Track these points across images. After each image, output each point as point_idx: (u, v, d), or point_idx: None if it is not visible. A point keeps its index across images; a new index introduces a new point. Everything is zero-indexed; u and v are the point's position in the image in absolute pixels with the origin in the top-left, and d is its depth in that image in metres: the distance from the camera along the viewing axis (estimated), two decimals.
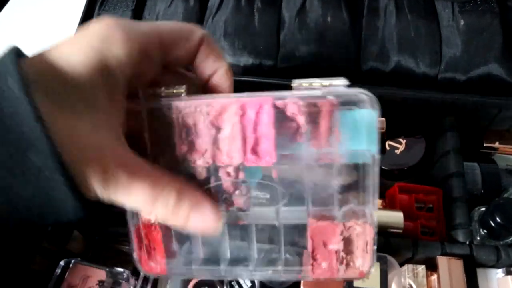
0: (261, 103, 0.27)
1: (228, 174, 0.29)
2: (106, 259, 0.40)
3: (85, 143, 0.22)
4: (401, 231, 0.42)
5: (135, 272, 0.38)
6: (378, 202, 0.49)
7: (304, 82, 0.27)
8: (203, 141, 0.28)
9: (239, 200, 0.29)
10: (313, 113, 0.27)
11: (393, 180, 0.49)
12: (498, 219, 0.39)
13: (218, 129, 0.28)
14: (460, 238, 0.42)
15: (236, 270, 0.30)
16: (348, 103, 0.26)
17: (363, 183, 0.28)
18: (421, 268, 0.39)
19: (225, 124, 0.28)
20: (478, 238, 0.43)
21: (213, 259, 0.31)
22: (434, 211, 0.46)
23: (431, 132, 0.50)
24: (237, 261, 0.31)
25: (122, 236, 0.40)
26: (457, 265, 0.39)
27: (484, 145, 0.50)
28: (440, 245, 0.40)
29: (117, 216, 0.41)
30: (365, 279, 0.38)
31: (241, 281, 0.37)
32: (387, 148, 0.50)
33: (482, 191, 0.46)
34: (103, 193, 0.22)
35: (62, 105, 0.22)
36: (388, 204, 0.48)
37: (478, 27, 0.52)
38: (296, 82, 0.27)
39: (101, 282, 0.36)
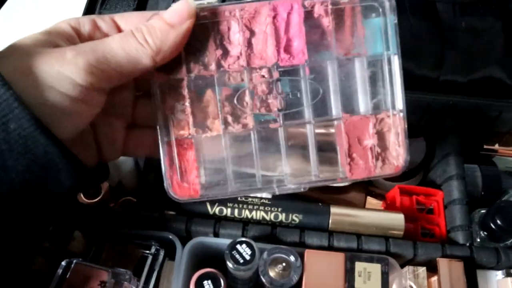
0: (291, 3, 0.30)
1: (263, 76, 0.30)
2: (108, 260, 0.39)
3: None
4: (402, 232, 0.42)
5: (137, 273, 0.38)
6: (379, 203, 0.50)
7: None
8: (237, 45, 0.30)
9: (274, 101, 0.30)
10: (339, 13, 0.30)
11: (394, 181, 0.49)
12: (498, 222, 0.39)
13: (252, 32, 0.30)
14: (460, 240, 0.42)
15: (271, 184, 0.31)
16: (371, 5, 0.30)
17: (390, 78, 0.31)
18: (422, 270, 0.39)
19: (259, 26, 0.30)
20: (478, 240, 0.43)
21: (246, 175, 0.31)
22: (434, 213, 0.46)
23: (432, 134, 0.50)
24: (271, 173, 0.31)
25: (124, 236, 0.40)
26: (458, 267, 0.39)
27: (485, 147, 0.51)
28: (440, 246, 0.40)
29: (118, 216, 0.42)
30: (367, 280, 0.38)
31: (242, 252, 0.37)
32: None
33: (482, 193, 0.47)
34: (83, 81, 0.25)
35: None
36: (389, 206, 0.48)
37: (479, 30, 0.52)
38: None
39: (102, 283, 0.36)
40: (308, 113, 0.31)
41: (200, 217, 0.41)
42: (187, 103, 0.30)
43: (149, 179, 0.47)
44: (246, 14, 0.30)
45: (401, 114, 0.31)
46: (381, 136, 0.31)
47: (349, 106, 0.31)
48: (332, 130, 0.31)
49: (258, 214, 0.42)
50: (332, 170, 0.31)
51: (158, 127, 0.30)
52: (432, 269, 0.40)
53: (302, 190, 0.31)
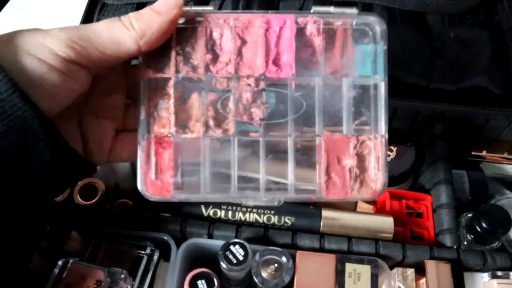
0: (284, 19, 0.31)
1: (249, 85, 0.31)
2: (104, 260, 0.40)
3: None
4: (391, 235, 0.43)
5: (133, 272, 0.39)
6: (369, 207, 0.51)
7: (322, 8, 0.31)
8: (227, 52, 0.31)
9: (257, 110, 0.31)
10: (330, 33, 0.31)
11: None
12: (484, 225, 0.40)
13: (243, 41, 0.31)
14: (448, 243, 0.43)
15: (245, 192, 0.31)
16: (362, 29, 0.31)
17: (374, 101, 0.31)
18: (410, 272, 0.40)
19: (251, 36, 0.31)
20: (466, 243, 0.44)
21: (222, 181, 0.31)
22: (423, 217, 0.47)
23: (421, 140, 0.52)
24: (247, 182, 0.31)
25: (120, 236, 0.41)
26: (445, 269, 0.40)
27: (472, 153, 0.52)
28: (428, 249, 0.41)
29: (115, 217, 0.42)
30: (356, 281, 0.39)
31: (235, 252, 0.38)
32: None
33: (470, 197, 0.48)
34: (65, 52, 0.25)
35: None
36: (379, 210, 0.49)
37: (467, 40, 0.54)
38: (314, 9, 0.31)
39: (98, 282, 0.37)
40: (289, 126, 0.31)
41: (194, 219, 0.42)
42: (171, 102, 0.30)
43: None
44: (240, 23, 0.30)
45: (383, 139, 0.31)
46: (361, 158, 0.31)
47: (331, 124, 0.31)
48: (312, 147, 0.31)
49: (251, 217, 0.43)
50: (309, 187, 0.31)
51: (139, 122, 0.30)
52: (421, 271, 0.41)
53: (276, 204, 0.31)
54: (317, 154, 0.31)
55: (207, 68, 0.30)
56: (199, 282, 0.37)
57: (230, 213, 0.43)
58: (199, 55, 0.30)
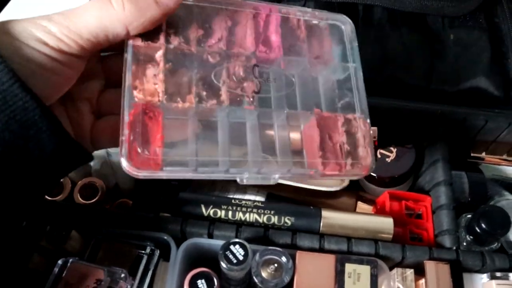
0: (270, 8, 0.33)
1: (241, 61, 0.32)
2: (104, 259, 0.40)
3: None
4: (391, 236, 0.43)
5: (132, 272, 0.39)
6: (369, 208, 0.51)
7: (302, 8, 0.35)
8: (218, 30, 0.31)
9: (250, 84, 0.31)
10: (310, 26, 0.34)
11: (384, 187, 0.50)
12: (483, 226, 0.40)
13: (234, 22, 0.32)
14: (447, 243, 0.43)
15: (237, 169, 0.29)
16: (335, 25, 0.35)
17: (356, 85, 0.34)
18: (410, 272, 0.41)
19: (240, 19, 0.32)
20: (465, 244, 0.44)
21: (210, 157, 0.29)
22: (423, 218, 0.47)
23: (421, 142, 0.52)
24: (239, 157, 0.30)
25: (120, 236, 0.41)
26: (444, 270, 0.40)
27: (472, 155, 0.52)
28: (428, 250, 0.41)
29: (115, 217, 0.42)
30: (356, 281, 0.39)
31: (235, 252, 0.38)
32: (379, 156, 0.51)
33: (469, 199, 0.48)
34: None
35: None
36: (379, 210, 0.49)
37: (467, 42, 0.54)
38: (294, 7, 0.34)
39: (98, 281, 0.37)
40: (282, 101, 0.32)
41: (194, 219, 0.42)
42: (161, 71, 0.29)
43: (145, 182, 0.48)
44: (231, 6, 0.32)
45: (368, 120, 0.33)
46: (349, 135, 0.33)
47: (319, 104, 0.33)
48: (303, 125, 0.32)
49: (252, 217, 0.43)
50: (303, 164, 0.31)
51: (124, 89, 0.27)
52: (420, 272, 0.41)
53: (271, 182, 0.30)
54: (311, 130, 0.32)
55: (199, 42, 0.30)
56: (199, 281, 0.37)
57: (230, 213, 0.43)
58: (191, 30, 0.30)
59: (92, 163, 0.49)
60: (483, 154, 0.52)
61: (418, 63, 0.53)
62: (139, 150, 0.26)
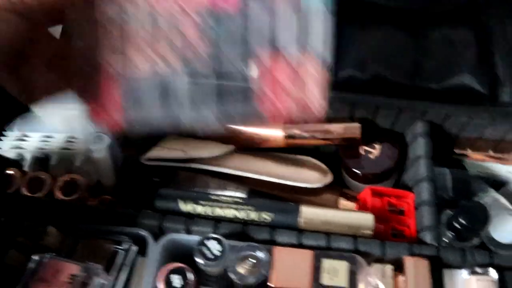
0: None
1: (193, 20, 0.31)
2: (81, 255, 0.40)
3: None
4: (371, 232, 0.43)
5: (109, 267, 0.39)
6: (352, 205, 0.50)
7: None
8: None
9: (201, 43, 0.31)
10: None
11: (367, 183, 0.50)
12: (462, 221, 0.40)
13: None
14: (429, 240, 0.43)
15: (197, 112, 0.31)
16: None
17: (317, 26, 0.32)
18: (389, 268, 0.40)
19: None
20: (447, 240, 0.44)
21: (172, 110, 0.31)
22: (405, 214, 0.47)
23: (404, 138, 0.52)
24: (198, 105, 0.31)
25: (98, 232, 0.41)
26: (424, 266, 0.40)
27: (457, 151, 0.52)
28: (408, 246, 0.41)
29: (93, 212, 0.42)
30: (334, 277, 0.39)
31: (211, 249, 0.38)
32: (362, 153, 0.51)
33: (452, 195, 0.48)
34: None
35: None
36: (362, 207, 0.49)
37: (453, 39, 0.54)
38: None
39: (73, 276, 0.37)
40: (236, 54, 0.31)
41: (173, 215, 0.42)
42: (115, 35, 0.29)
43: (127, 178, 0.48)
44: None
45: (325, 65, 0.32)
46: (300, 77, 0.32)
47: (274, 47, 0.32)
48: (255, 69, 0.32)
49: (230, 212, 0.43)
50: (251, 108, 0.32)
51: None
52: (400, 268, 0.40)
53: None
54: (259, 73, 0.32)
55: (150, 3, 0.30)
56: (173, 276, 0.37)
57: (209, 209, 0.43)
58: None
59: (74, 160, 0.49)
60: (468, 151, 0.51)
61: (403, 59, 0.53)
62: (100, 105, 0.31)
